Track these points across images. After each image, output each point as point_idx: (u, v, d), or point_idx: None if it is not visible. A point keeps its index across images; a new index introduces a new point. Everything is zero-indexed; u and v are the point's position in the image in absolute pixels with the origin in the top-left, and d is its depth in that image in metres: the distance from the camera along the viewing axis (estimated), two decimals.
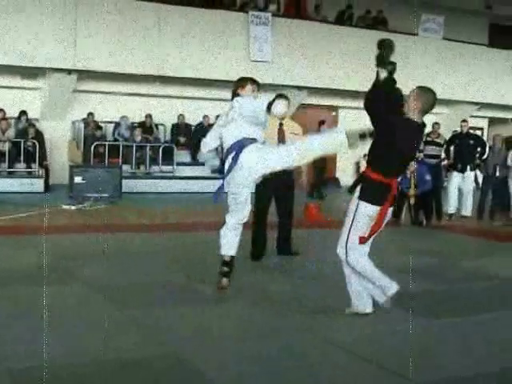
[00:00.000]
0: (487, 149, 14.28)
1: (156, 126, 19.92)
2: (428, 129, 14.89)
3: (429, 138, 13.87)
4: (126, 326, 5.54)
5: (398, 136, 5.46)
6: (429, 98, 5.56)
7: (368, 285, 5.78)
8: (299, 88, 19.95)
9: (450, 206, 14.09)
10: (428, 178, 12.59)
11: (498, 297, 7.01)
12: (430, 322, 5.83)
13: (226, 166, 6.45)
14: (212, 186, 18.16)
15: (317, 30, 20.85)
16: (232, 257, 6.74)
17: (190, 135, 20.09)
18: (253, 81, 6.76)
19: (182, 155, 19.73)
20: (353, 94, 21.32)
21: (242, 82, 6.76)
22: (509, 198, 13.44)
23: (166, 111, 19.91)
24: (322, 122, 18.40)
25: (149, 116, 19.47)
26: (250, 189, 6.63)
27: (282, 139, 8.14)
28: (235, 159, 6.29)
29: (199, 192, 17.76)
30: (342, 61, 20.85)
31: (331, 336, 5.35)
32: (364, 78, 22.43)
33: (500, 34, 26.65)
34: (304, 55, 20.36)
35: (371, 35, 21.72)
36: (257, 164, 6.28)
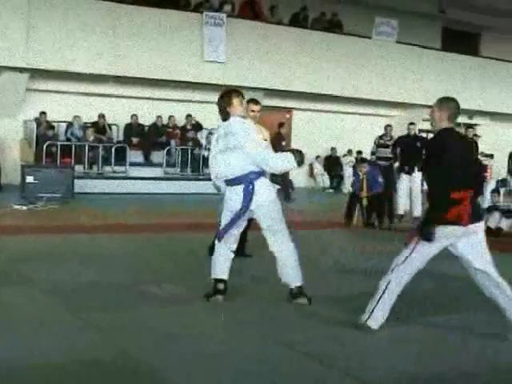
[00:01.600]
0: None
1: (109, 126, 19.70)
2: (380, 131, 15.15)
3: (381, 141, 14.00)
4: (79, 328, 5.47)
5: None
6: (450, 105, 5.54)
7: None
8: (254, 89, 19.94)
9: (400, 208, 14.17)
10: (380, 179, 12.72)
11: (455, 297, 7.11)
12: (400, 325, 5.84)
13: (233, 197, 6.32)
14: (166, 186, 18.29)
15: (272, 32, 20.92)
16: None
17: (143, 135, 19.98)
18: (237, 93, 6.46)
19: (135, 156, 19.58)
20: (307, 96, 21.42)
21: (227, 97, 6.38)
22: None
23: (119, 111, 19.72)
24: (281, 125, 18.44)
25: (102, 116, 19.29)
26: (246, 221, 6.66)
27: None
28: (246, 195, 6.20)
29: (152, 193, 17.74)
30: (297, 62, 20.93)
31: (293, 340, 5.33)
32: (318, 79, 22.53)
33: (453, 38, 27.06)
34: (259, 56, 20.41)
35: (327, 38, 21.93)
36: (262, 206, 6.29)
